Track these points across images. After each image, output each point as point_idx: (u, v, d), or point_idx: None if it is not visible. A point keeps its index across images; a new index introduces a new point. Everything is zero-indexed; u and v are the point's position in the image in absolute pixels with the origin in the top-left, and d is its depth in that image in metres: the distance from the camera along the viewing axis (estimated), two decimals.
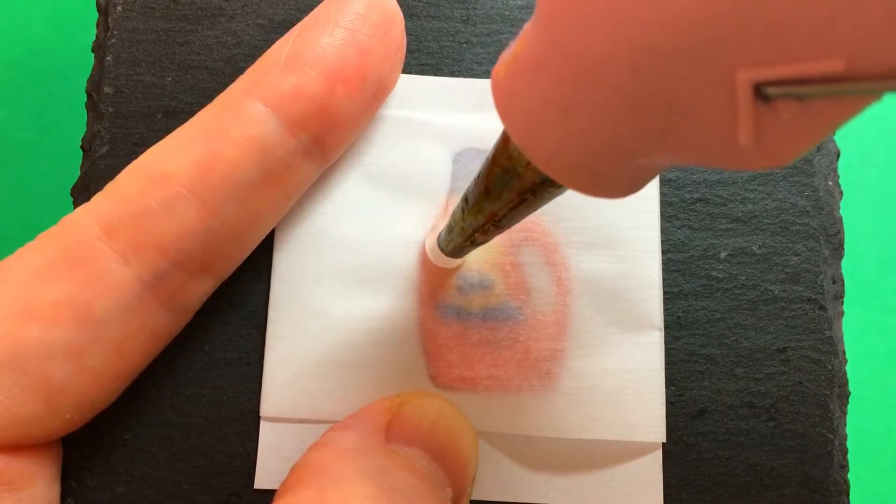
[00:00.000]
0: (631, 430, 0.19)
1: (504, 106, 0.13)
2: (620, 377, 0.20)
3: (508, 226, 0.16)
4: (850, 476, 0.20)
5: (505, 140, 0.14)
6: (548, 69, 0.12)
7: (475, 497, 0.19)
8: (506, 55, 0.13)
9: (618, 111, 0.11)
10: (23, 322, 0.16)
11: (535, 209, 0.15)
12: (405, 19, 0.20)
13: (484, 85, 0.21)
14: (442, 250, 0.19)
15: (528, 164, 0.14)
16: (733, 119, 0.10)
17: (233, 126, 0.17)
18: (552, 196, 0.14)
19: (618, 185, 0.13)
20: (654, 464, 0.20)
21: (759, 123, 0.10)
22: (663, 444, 0.20)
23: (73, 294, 0.17)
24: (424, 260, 0.20)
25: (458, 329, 0.20)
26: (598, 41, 0.11)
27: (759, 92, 0.10)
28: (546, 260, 0.20)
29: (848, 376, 0.21)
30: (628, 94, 0.11)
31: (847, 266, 0.23)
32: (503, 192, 0.15)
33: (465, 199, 0.16)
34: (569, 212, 0.20)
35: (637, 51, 0.10)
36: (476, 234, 0.17)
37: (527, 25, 0.13)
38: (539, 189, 0.14)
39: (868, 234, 0.33)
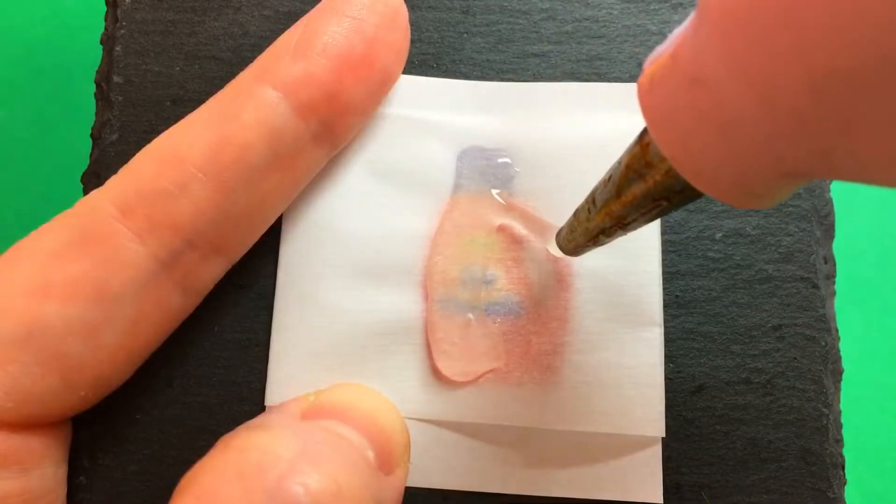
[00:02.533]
0: (631, 424, 0.20)
1: (653, 114, 0.13)
2: (620, 372, 0.20)
3: (636, 228, 0.16)
4: (845, 451, 0.21)
5: (644, 145, 0.14)
6: (710, 84, 0.11)
7: (478, 489, 0.20)
8: (656, 59, 0.13)
9: (785, 131, 0.11)
10: (40, 300, 0.17)
11: (669, 213, 0.15)
12: (408, 10, 0.21)
13: (488, 87, 0.22)
14: (560, 248, 0.19)
15: (669, 170, 0.13)
16: None
17: (245, 110, 0.18)
18: (688, 202, 0.14)
19: (767, 197, 0.13)
20: (653, 457, 0.20)
21: None
22: (662, 438, 0.20)
23: (89, 272, 0.17)
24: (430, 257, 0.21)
25: (461, 323, 0.20)
26: (776, 62, 0.10)
27: None
28: (548, 255, 0.21)
29: (841, 353, 0.21)
30: (801, 114, 0.10)
31: (846, 268, 0.23)
32: (637, 196, 0.15)
33: (593, 201, 0.16)
34: (572, 209, 0.21)
35: (819, 71, 0.10)
36: (601, 236, 0.17)
37: (682, 31, 0.12)
38: (676, 196, 0.14)
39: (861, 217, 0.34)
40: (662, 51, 0.13)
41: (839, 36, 0.09)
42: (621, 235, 0.17)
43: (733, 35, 0.11)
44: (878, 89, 0.09)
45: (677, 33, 0.13)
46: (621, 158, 0.15)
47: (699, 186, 0.13)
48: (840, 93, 0.10)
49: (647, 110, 0.13)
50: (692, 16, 0.12)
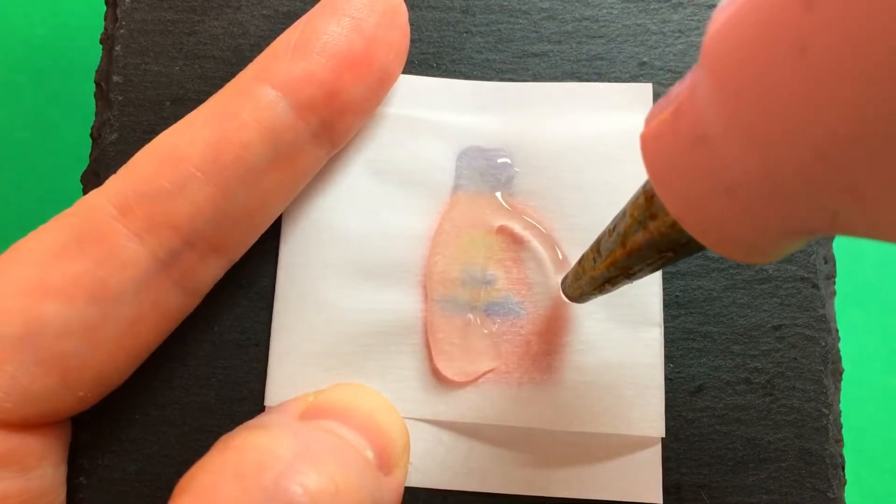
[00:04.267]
0: (630, 425, 0.20)
1: (656, 170, 0.13)
2: (620, 372, 0.20)
3: (642, 277, 0.16)
4: (845, 452, 0.21)
5: (648, 197, 0.14)
6: (713, 144, 0.11)
7: (477, 489, 0.20)
8: (658, 119, 0.13)
9: (790, 193, 0.11)
10: (39, 299, 0.17)
11: (674, 263, 0.15)
12: (407, 10, 0.21)
13: (488, 87, 0.22)
14: (566, 294, 0.19)
15: (674, 223, 0.13)
16: None
17: (244, 109, 0.18)
18: (695, 252, 0.14)
19: (773, 253, 0.13)
20: (653, 458, 0.20)
21: None
22: (662, 438, 0.20)
23: (88, 271, 0.17)
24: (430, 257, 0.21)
25: (460, 323, 0.20)
26: (780, 125, 0.10)
27: None
28: (548, 256, 0.21)
29: (841, 353, 0.21)
30: (807, 177, 0.10)
31: (845, 267, 0.23)
32: (642, 248, 0.15)
33: (598, 250, 0.16)
34: (572, 209, 0.21)
35: (824, 135, 0.09)
36: (606, 285, 0.17)
37: (685, 85, 0.12)
38: (682, 248, 0.14)
39: None
40: (665, 104, 0.13)
41: (845, 100, 0.09)
42: (628, 283, 0.16)
43: (736, 96, 0.11)
44: (884, 152, 0.09)
45: (680, 87, 0.12)
46: (626, 208, 0.15)
47: (705, 243, 0.13)
48: (846, 156, 0.09)
49: (650, 165, 0.13)
50: (694, 68, 0.12)
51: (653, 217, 0.14)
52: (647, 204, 0.14)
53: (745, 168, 0.11)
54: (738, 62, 0.10)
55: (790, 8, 0.09)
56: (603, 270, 0.16)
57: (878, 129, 0.09)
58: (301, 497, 0.15)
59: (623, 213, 0.15)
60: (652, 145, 0.13)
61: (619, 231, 0.15)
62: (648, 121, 0.13)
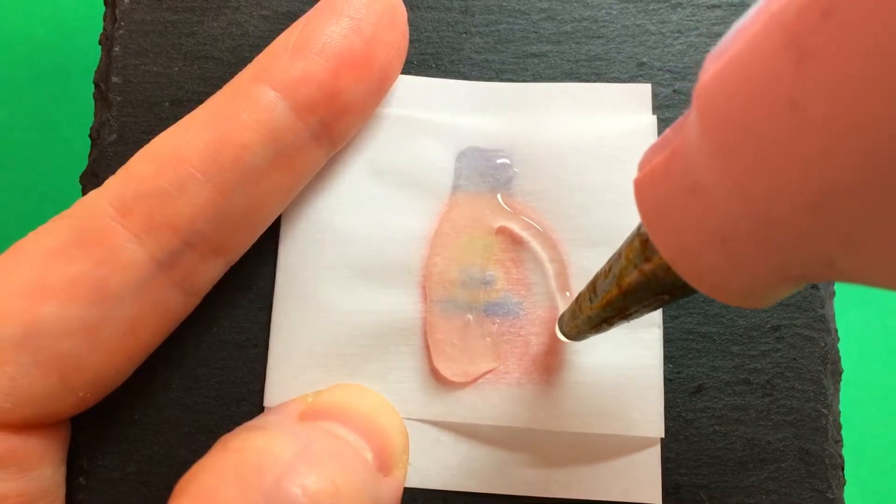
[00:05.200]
0: (630, 425, 0.20)
1: (650, 216, 0.13)
2: (620, 372, 0.20)
3: (639, 317, 0.16)
4: (844, 452, 0.21)
5: (643, 240, 0.14)
6: (706, 194, 0.11)
7: (477, 490, 0.20)
8: (652, 165, 0.13)
9: (785, 243, 0.11)
10: (38, 300, 0.17)
11: (669, 304, 0.15)
12: (406, 10, 0.21)
13: (487, 87, 0.22)
14: (562, 333, 0.19)
15: (669, 267, 0.13)
16: None
17: (243, 110, 0.18)
18: (691, 295, 0.14)
19: (769, 299, 0.13)
20: (652, 458, 0.20)
21: None
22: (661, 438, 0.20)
23: (87, 272, 0.17)
24: (429, 258, 0.21)
25: (460, 323, 0.20)
26: (774, 178, 0.10)
27: None
28: (547, 256, 0.21)
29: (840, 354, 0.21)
30: (802, 229, 0.10)
31: None
32: (638, 290, 0.15)
33: (594, 290, 0.16)
34: (571, 210, 0.21)
35: (817, 188, 0.09)
36: (603, 324, 0.17)
37: (676, 136, 0.12)
38: (678, 291, 0.14)
39: None
40: (659, 148, 0.13)
41: (837, 153, 0.09)
42: (624, 323, 0.17)
43: (728, 147, 0.10)
44: (879, 204, 0.09)
45: (673, 132, 0.12)
46: (621, 250, 0.15)
47: (700, 290, 0.13)
48: (841, 208, 0.09)
49: (643, 211, 0.13)
50: (687, 114, 0.12)
51: (647, 260, 0.14)
52: (641, 247, 0.14)
53: (738, 218, 0.11)
54: (729, 113, 0.10)
55: (781, 62, 0.09)
56: (599, 310, 0.16)
57: (872, 181, 0.09)
58: (301, 498, 0.15)
59: (618, 255, 0.15)
60: (645, 191, 0.13)
61: (615, 272, 0.15)
62: (642, 165, 0.13)
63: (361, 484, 0.17)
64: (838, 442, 0.21)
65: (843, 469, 0.21)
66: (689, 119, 0.12)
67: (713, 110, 0.11)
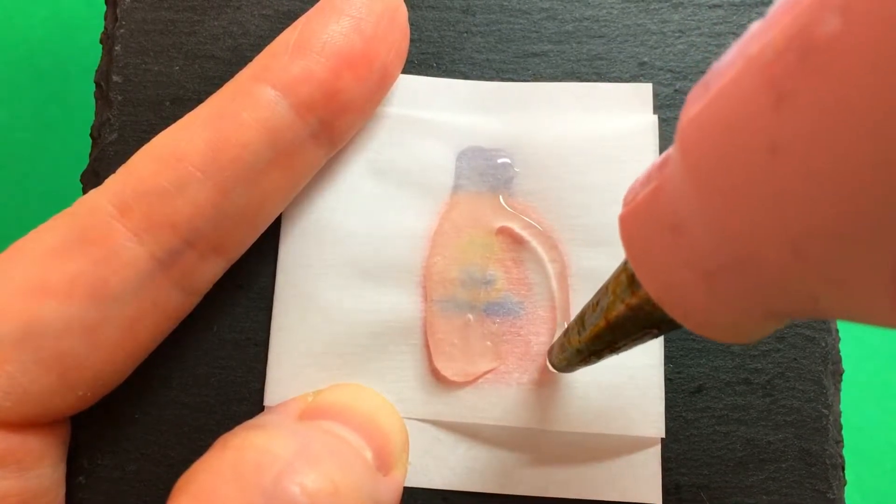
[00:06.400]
0: (630, 425, 0.20)
1: (635, 253, 0.13)
2: (620, 372, 0.20)
3: (627, 350, 0.16)
4: (845, 452, 0.21)
5: (630, 275, 0.14)
6: (692, 233, 0.11)
7: (477, 490, 0.20)
8: (637, 201, 0.13)
9: (770, 284, 0.11)
10: (38, 299, 0.17)
11: (657, 337, 0.15)
12: (408, 10, 0.21)
13: (488, 87, 0.22)
14: (552, 365, 0.19)
15: (655, 303, 0.13)
16: (894, 291, 0.09)
17: (243, 109, 0.18)
18: (677, 329, 0.14)
19: (756, 335, 0.13)
20: (653, 458, 0.20)
21: None
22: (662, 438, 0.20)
23: (87, 271, 0.17)
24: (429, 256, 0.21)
25: (460, 323, 0.20)
26: (755, 220, 0.10)
27: None
28: (548, 256, 0.21)
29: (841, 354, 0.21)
30: (784, 268, 0.10)
31: None
32: (625, 324, 0.15)
33: (582, 324, 0.16)
34: (572, 210, 0.21)
35: (799, 232, 0.10)
36: (592, 357, 0.17)
37: (660, 173, 0.12)
38: (665, 325, 0.14)
39: None
40: (644, 184, 0.13)
41: (817, 197, 0.09)
42: (614, 355, 0.17)
43: (709, 187, 0.11)
44: (862, 247, 0.09)
45: (656, 169, 0.12)
46: (608, 283, 0.15)
47: (687, 327, 0.13)
48: (823, 250, 0.09)
49: (628, 247, 0.13)
50: (670, 149, 0.12)
51: (634, 294, 0.14)
52: (628, 282, 0.14)
53: (720, 256, 0.11)
54: (710, 152, 0.11)
55: (760, 104, 0.09)
56: (587, 343, 0.16)
57: (851, 224, 0.09)
58: (300, 497, 0.15)
59: (605, 289, 0.15)
60: (630, 227, 0.13)
61: (602, 306, 0.15)
62: (627, 201, 0.13)
63: (361, 483, 0.17)
64: (839, 442, 0.21)
65: (843, 469, 0.21)
66: (672, 156, 0.12)
67: (695, 149, 0.11)
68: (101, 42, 0.22)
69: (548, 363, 0.20)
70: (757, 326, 0.12)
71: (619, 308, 0.14)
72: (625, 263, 0.14)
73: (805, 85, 0.09)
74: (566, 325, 0.19)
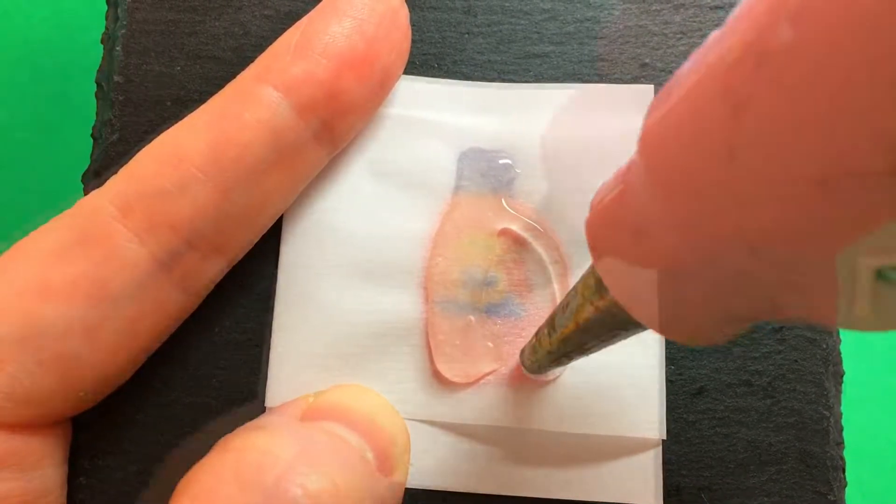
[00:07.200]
0: (630, 427, 0.20)
1: (602, 256, 0.13)
2: (620, 373, 0.20)
3: (597, 351, 0.16)
4: (846, 454, 0.21)
5: (598, 279, 0.14)
6: (653, 237, 0.12)
7: (478, 491, 0.20)
8: (603, 205, 0.13)
9: (730, 286, 0.11)
10: (39, 300, 0.17)
11: (627, 338, 0.15)
12: (409, 12, 0.21)
13: (490, 88, 0.22)
14: (524, 366, 0.19)
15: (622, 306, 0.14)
16: (851, 295, 0.10)
17: (245, 109, 0.18)
18: (643, 330, 0.14)
19: (719, 338, 0.13)
20: (653, 460, 0.20)
21: (877, 299, 0.10)
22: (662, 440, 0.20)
23: (88, 272, 0.17)
24: (431, 255, 0.21)
25: (461, 324, 0.20)
26: (714, 223, 0.10)
27: (881, 274, 0.09)
28: (549, 257, 0.21)
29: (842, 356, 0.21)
30: (744, 272, 0.10)
31: None
32: (594, 327, 0.15)
33: (552, 325, 0.16)
34: (573, 211, 0.21)
35: (756, 234, 0.10)
36: (563, 358, 0.17)
37: (625, 178, 0.12)
38: (633, 327, 0.14)
39: None
40: (610, 188, 0.13)
41: (773, 202, 0.09)
42: (583, 356, 0.17)
43: (670, 192, 0.11)
44: (814, 251, 0.09)
45: (620, 174, 0.13)
46: (577, 286, 0.15)
47: (651, 328, 0.13)
48: (778, 253, 0.10)
49: (594, 252, 0.13)
50: (635, 154, 0.12)
51: (602, 298, 0.14)
52: (596, 285, 0.14)
53: (684, 262, 0.11)
54: (671, 159, 0.11)
55: (718, 114, 0.10)
56: (557, 345, 0.16)
57: (806, 229, 0.09)
58: (301, 498, 0.15)
59: (574, 292, 0.15)
60: (595, 231, 0.13)
61: (572, 309, 0.15)
62: (594, 205, 0.13)
63: (362, 483, 0.17)
64: (840, 444, 0.21)
65: (844, 471, 0.21)
66: (636, 161, 0.12)
67: (656, 154, 0.11)
68: (102, 42, 0.22)
69: (521, 365, 0.20)
70: (719, 330, 0.12)
71: (588, 310, 0.15)
72: (593, 266, 0.15)
73: (760, 92, 0.09)
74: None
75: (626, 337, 0.15)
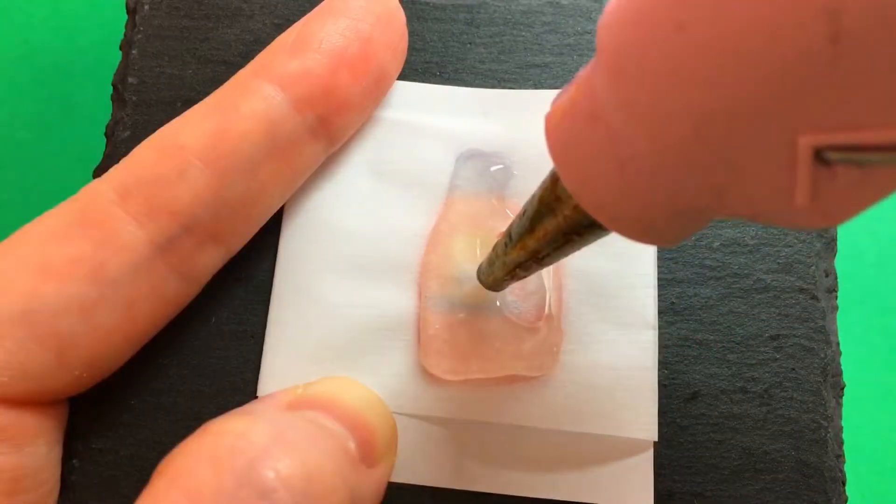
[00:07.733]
0: (622, 427, 0.20)
1: (557, 150, 0.13)
2: (613, 374, 0.20)
3: (551, 263, 0.16)
4: (848, 468, 0.20)
5: (554, 180, 0.15)
6: (605, 120, 0.12)
7: (466, 488, 0.20)
8: (560, 100, 0.13)
9: (675, 168, 0.11)
10: (39, 278, 0.17)
11: (580, 248, 0.15)
12: (413, 21, 0.22)
13: (488, 94, 0.22)
14: (481, 282, 0.19)
15: (577, 205, 0.14)
16: (791, 180, 0.10)
17: (242, 102, 0.19)
18: (598, 237, 0.15)
19: (669, 233, 0.13)
20: (645, 462, 0.20)
21: (816, 186, 0.10)
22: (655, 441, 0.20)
23: (87, 253, 0.18)
24: (427, 254, 0.21)
25: (453, 321, 0.20)
26: (661, 102, 0.11)
27: (820, 156, 0.09)
28: None
29: (842, 367, 0.21)
30: (688, 152, 0.11)
31: (844, 266, 0.23)
32: (549, 231, 0.15)
33: (509, 235, 0.17)
34: None
35: (700, 112, 0.10)
36: (517, 270, 0.17)
37: (583, 72, 0.13)
38: (585, 231, 0.14)
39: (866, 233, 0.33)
40: (568, 85, 0.13)
41: (718, 77, 0.10)
42: (538, 269, 0.17)
43: (622, 74, 0.11)
44: (757, 129, 0.10)
45: (578, 75, 0.13)
46: (535, 192, 0.16)
47: (600, 220, 0.13)
48: (722, 132, 0.10)
49: (551, 145, 0.14)
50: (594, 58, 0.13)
51: (557, 199, 0.14)
52: (552, 186, 0.15)
53: (632, 144, 0.11)
54: (623, 41, 0.11)
55: None
56: (514, 255, 0.17)
57: (750, 106, 0.09)
58: (273, 482, 0.15)
59: (533, 197, 0.16)
60: (553, 124, 0.13)
61: (529, 214, 0.16)
62: (554, 101, 0.14)
63: (338, 471, 0.17)
64: (840, 457, 0.20)
65: (844, 485, 0.20)
66: (594, 59, 0.12)
67: (609, 39, 0.11)
68: (120, 48, 0.23)
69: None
70: (667, 222, 0.12)
71: (544, 214, 0.15)
72: (551, 170, 0.15)
73: None
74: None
75: (579, 245, 0.15)
